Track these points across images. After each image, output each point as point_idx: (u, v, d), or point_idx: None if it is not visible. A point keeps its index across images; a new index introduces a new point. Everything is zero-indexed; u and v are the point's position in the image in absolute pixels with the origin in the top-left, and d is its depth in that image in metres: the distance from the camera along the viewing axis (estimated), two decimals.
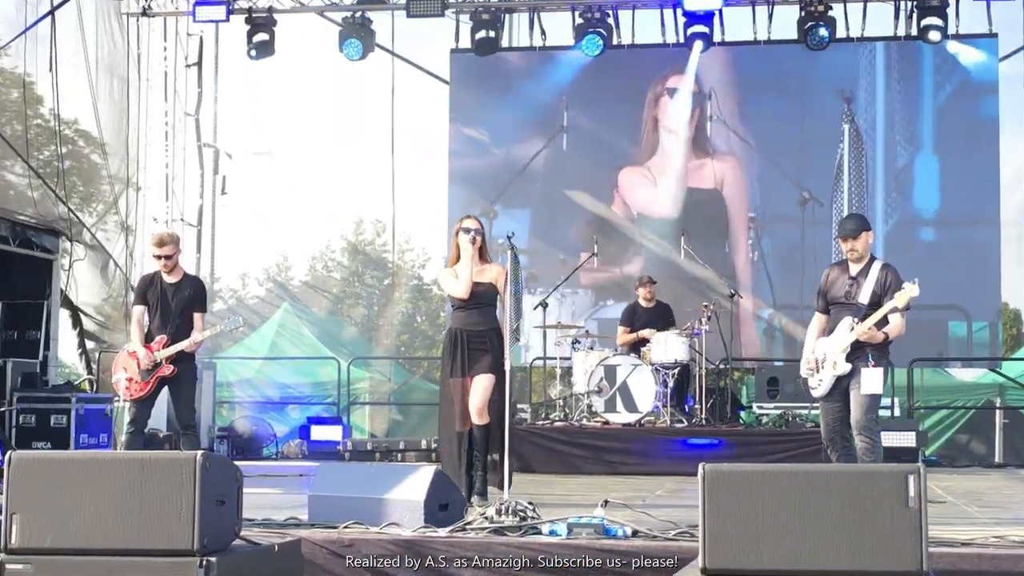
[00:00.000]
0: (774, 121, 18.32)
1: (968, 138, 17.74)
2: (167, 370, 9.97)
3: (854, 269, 8.85)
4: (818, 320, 9.05)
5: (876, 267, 8.77)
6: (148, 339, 10.09)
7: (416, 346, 33.44)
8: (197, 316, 10.14)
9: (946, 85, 17.90)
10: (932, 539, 5.74)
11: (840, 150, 18.09)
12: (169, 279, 10.16)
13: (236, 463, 6.47)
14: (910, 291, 8.39)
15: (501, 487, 8.50)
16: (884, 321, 8.57)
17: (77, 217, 16.64)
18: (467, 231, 9.37)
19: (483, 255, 9.55)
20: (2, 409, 14.13)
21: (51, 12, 16.59)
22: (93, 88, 17.32)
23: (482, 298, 9.48)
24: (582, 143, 18.88)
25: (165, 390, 10.19)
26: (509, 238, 9.17)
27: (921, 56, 17.74)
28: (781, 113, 18.34)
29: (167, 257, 10.10)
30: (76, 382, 16.50)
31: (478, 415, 9.29)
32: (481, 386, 9.28)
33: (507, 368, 8.75)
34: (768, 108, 18.33)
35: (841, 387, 8.71)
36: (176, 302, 10.09)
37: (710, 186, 18.40)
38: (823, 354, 8.79)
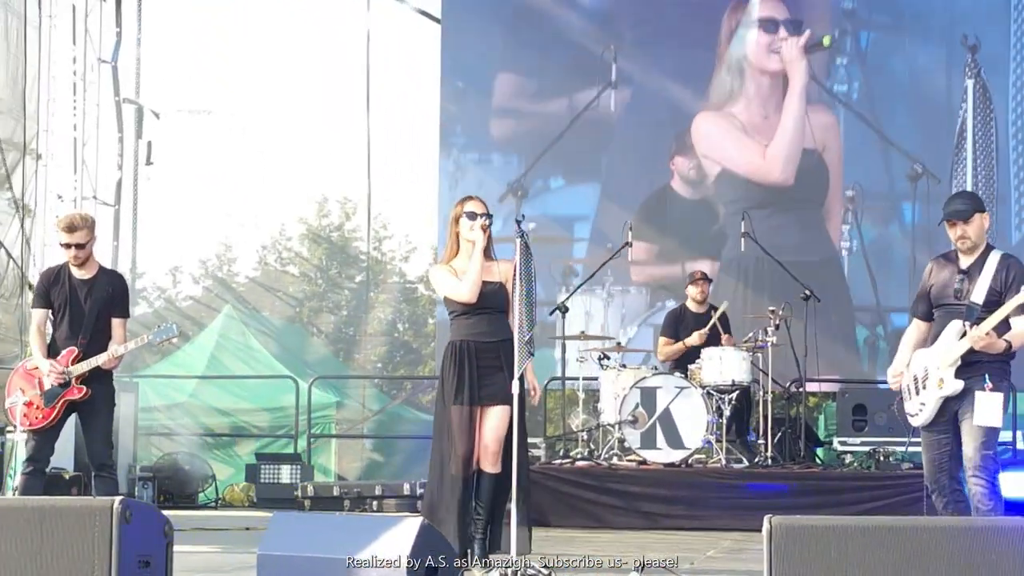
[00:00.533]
0: (877, 73, 18.35)
1: None
2: (78, 392, 9.93)
3: (965, 262, 8.83)
4: (917, 328, 9.03)
5: (994, 258, 8.74)
6: (52, 351, 10.07)
7: (398, 363, 33.48)
8: (116, 322, 10.12)
9: None
10: None
11: (963, 112, 18.07)
12: (80, 274, 10.12)
13: (164, 512, 6.46)
14: None
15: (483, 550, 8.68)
16: (1006, 327, 8.54)
17: None
18: (472, 216, 9.26)
19: (487, 249, 9.39)
20: None
21: None
22: None
23: (491, 301, 9.38)
24: (629, 100, 18.90)
25: (73, 419, 10.18)
26: (519, 222, 9.12)
27: None
28: (885, 62, 18.39)
29: (79, 246, 10.03)
30: None
31: (492, 461, 9.18)
32: (499, 421, 9.16)
33: (515, 391, 8.67)
34: (874, 53, 18.41)
35: (949, 413, 8.68)
36: (90, 304, 10.06)
37: (809, 146, 18.41)
38: (924, 370, 8.74)
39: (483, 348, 9.29)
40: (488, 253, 9.34)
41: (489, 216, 9.32)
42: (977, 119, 17.94)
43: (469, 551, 9.08)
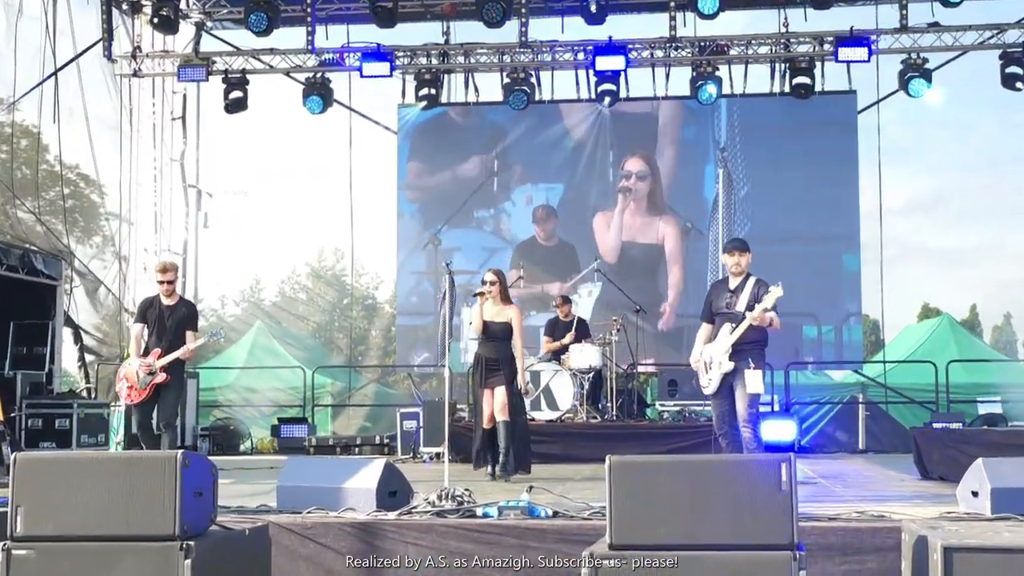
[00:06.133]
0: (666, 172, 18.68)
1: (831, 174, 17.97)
2: (161, 377, 9.93)
3: (733, 283, 8.91)
4: (704, 328, 9.12)
5: (750, 282, 8.86)
6: (145, 352, 10.07)
7: (370, 356, 33.29)
8: (190, 334, 10.15)
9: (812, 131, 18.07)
10: (803, 515, 5.80)
11: (717, 188, 18.26)
12: (167, 301, 10.17)
13: (216, 458, 6.39)
14: (776, 292, 8.49)
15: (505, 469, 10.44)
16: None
17: (68, 248, 16.54)
18: (482, 283, 10.84)
19: (505, 298, 10.81)
20: (13, 415, 13.97)
21: (54, 74, 16.50)
22: (90, 138, 17.26)
23: (498, 334, 10.74)
24: (509, 182, 18.98)
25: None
26: (447, 265, 9.52)
27: (788, 108, 17.83)
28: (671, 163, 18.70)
29: (169, 282, 10.16)
30: (77, 390, 16.32)
31: (501, 413, 10.62)
32: (500, 395, 10.63)
33: (446, 376, 8.76)
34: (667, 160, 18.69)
35: (727, 384, 8.76)
36: (172, 321, 10.09)
37: (652, 241, 18.55)
38: (710, 357, 8.83)
39: (490, 360, 10.78)
40: (506, 299, 10.87)
41: (493, 283, 10.73)
42: (724, 195, 18.17)
43: (492, 467, 10.70)
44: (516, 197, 19.03)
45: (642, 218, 18.62)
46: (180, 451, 5.30)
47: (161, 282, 10.16)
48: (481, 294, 10.76)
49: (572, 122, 18.73)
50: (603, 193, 18.72)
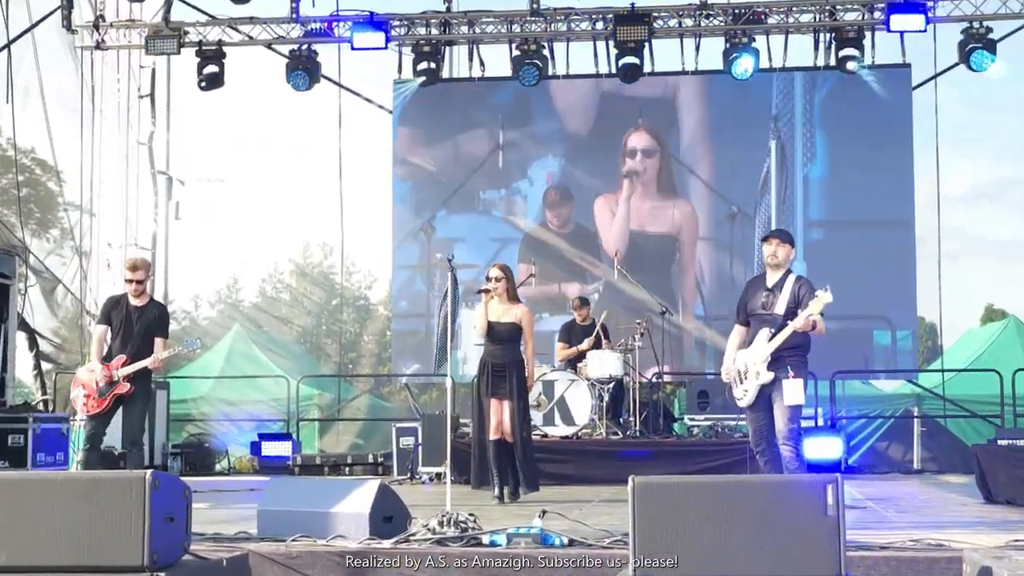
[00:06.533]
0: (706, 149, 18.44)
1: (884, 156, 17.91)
2: (124, 388, 9.91)
3: (771, 280, 8.89)
4: (738, 332, 9.08)
5: (791, 280, 8.82)
6: (107, 358, 10.04)
7: (363, 364, 33.34)
8: (159, 340, 10.13)
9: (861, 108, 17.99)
10: (851, 543, 5.79)
11: (767, 165, 18.14)
12: (136, 302, 10.14)
13: (189, 479, 6.41)
14: (824, 298, 8.42)
15: (511, 493, 10.67)
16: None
17: (22, 243, 16.49)
18: (487, 279, 10.84)
19: (512, 296, 10.83)
20: None
21: (7, 46, 16.52)
22: (47, 119, 17.23)
23: (504, 335, 10.77)
24: (516, 164, 18.87)
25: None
26: (449, 260, 9.54)
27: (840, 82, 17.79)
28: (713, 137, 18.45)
29: (139, 281, 10.12)
30: (32, 402, 16.33)
31: (504, 435, 10.73)
32: (505, 410, 10.69)
33: (448, 385, 8.79)
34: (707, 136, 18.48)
35: (765, 396, 8.72)
36: (140, 325, 10.07)
37: (666, 230, 18.31)
38: (745, 365, 8.79)
39: (496, 366, 10.79)
40: (514, 297, 10.88)
41: (499, 279, 10.74)
42: (778, 168, 18.03)
43: (501, 487, 10.80)
44: (534, 174, 18.84)
45: (652, 203, 18.40)
46: (149, 471, 5.32)
47: (130, 281, 10.13)
48: (486, 291, 10.76)
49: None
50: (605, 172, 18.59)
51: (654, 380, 15.49)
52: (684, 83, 18.30)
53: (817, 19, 17.21)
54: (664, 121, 18.47)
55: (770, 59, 17.28)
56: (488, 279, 10.83)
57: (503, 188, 18.86)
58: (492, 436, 10.73)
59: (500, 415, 10.70)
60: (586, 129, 18.71)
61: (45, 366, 17.21)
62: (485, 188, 18.86)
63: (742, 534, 4.93)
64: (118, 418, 10.27)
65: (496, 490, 10.76)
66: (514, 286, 10.95)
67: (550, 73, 17.56)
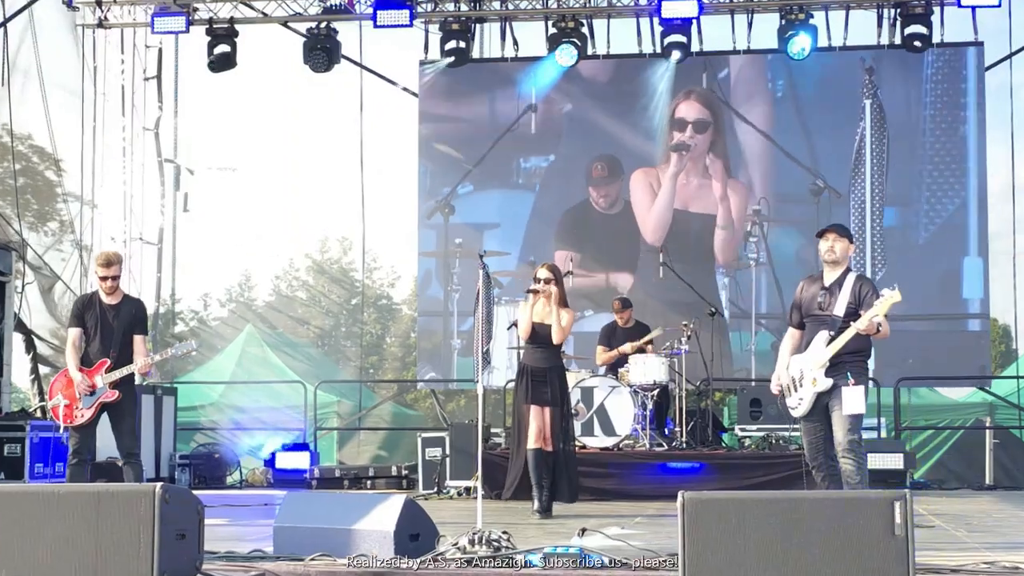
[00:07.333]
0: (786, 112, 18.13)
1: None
2: (111, 395, 9.86)
3: (828, 278, 8.81)
4: (792, 336, 8.99)
5: (850, 279, 8.74)
6: (86, 363, 9.98)
7: (386, 369, 33.42)
8: (139, 339, 10.07)
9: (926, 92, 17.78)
10: (920, 566, 5.77)
11: (860, 130, 17.77)
12: (109, 300, 10.07)
13: (198, 492, 6.43)
14: (892, 297, 8.33)
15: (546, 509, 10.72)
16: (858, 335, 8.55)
17: (20, 236, 16.55)
18: (535, 280, 10.97)
19: (562, 301, 10.94)
20: None
21: (3, 24, 16.60)
22: (46, 102, 17.30)
23: (547, 339, 10.89)
24: (551, 133, 18.60)
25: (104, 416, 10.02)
26: (481, 256, 9.49)
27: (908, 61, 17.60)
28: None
29: (113, 278, 10.03)
30: (30, 409, 16.41)
31: (545, 442, 10.84)
32: (547, 418, 10.83)
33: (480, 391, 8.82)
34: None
35: (821, 405, 8.65)
36: (118, 324, 9.99)
37: (711, 211, 17.94)
38: (800, 372, 8.73)
39: (536, 371, 10.94)
40: (563, 300, 10.97)
41: (548, 280, 10.86)
42: (874, 136, 17.73)
43: (540, 500, 10.82)
44: (570, 144, 18.40)
45: (698, 179, 18.05)
46: (159, 484, 5.34)
47: (105, 278, 10.03)
48: (535, 292, 10.77)
49: None
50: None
51: (702, 387, 15.43)
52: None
53: None
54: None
55: (829, 37, 17.19)
56: (536, 280, 10.86)
57: (534, 157, 18.57)
58: (532, 445, 10.73)
59: (541, 422, 10.72)
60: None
61: (43, 370, 17.24)
62: (523, 155, 18.54)
63: (802, 556, 4.91)
64: (105, 428, 10.20)
65: (536, 503, 10.76)
66: (564, 289, 10.96)
67: (589, 52, 17.54)
